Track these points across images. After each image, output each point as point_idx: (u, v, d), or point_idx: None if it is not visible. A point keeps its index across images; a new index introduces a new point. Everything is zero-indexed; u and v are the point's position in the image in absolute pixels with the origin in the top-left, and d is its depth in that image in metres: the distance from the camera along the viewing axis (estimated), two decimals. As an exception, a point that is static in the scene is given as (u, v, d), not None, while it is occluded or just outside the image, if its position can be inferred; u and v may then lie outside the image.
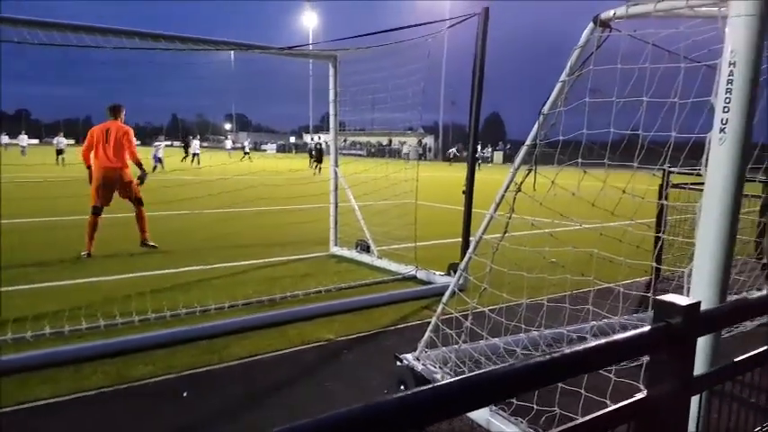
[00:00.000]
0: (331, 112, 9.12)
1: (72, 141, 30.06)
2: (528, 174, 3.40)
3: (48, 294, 6.36)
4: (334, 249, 9.22)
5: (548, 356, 1.24)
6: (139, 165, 8.86)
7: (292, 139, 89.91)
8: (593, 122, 3.17)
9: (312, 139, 43.69)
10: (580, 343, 1.29)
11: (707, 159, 2.35)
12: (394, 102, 8.09)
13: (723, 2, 2.30)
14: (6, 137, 49.68)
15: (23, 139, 41.12)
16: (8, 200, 8.28)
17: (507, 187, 3.47)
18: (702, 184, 6.87)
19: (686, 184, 7.01)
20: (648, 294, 5.97)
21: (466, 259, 3.83)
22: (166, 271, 7.64)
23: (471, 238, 7.08)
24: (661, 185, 6.42)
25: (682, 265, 4.49)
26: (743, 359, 1.66)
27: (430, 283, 7.30)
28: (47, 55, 5.93)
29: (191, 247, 9.28)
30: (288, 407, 3.97)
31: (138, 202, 8.78)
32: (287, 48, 8.72)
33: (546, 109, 3.25)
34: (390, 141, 50.17)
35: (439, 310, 4.10)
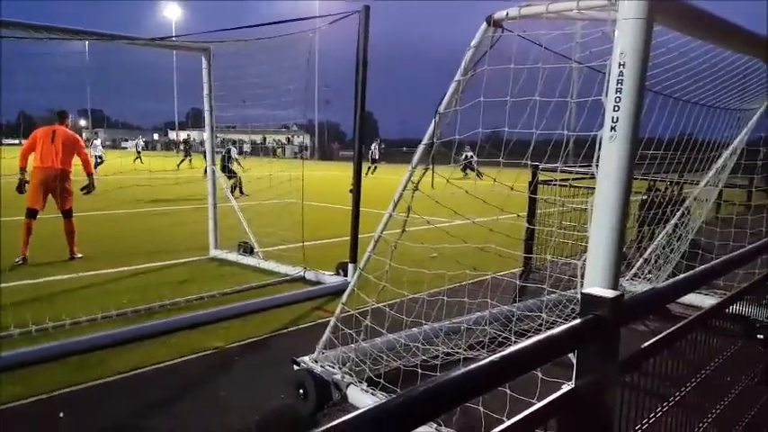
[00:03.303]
0: (205, 107, 8.70)
1: None
2: (425, 172, 3.44)
3: None
4: (215, 252, 8.80)
5: (488, 361, 1.22)
6: (90, 175, 8.73)
7: (156, 136, 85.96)
8: (482, 122, 3.26)
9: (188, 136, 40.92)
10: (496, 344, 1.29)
11: (598, 157, 2.47)
12: (273, 98, 7.89)
13: (612, 5, 2.43)
14: None
15: None
16: None
17: (405, 186, 3.48)
18: (567, 180, 7.33)
19: (554, 180, 7.44)
20: (541, 284, 6.32)
21: (366, 257, 3.80)
22: (27, 281, 6.90)
23: (360, 236, 7.13)
24: (530, 181, 6.81)
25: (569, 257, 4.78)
26: (651, 344, 1.76)
27: (319, 283, 7.20)
28: None
29: (54, 254, 8.40)
30: (180, 419, 3.74)
31: (67, 214, 8.24)
32: (157, 39, 8.21)
33: (442, 108, 3.30)
34: (264, 139, 49.23)
35: (338, 309, 4.03)
